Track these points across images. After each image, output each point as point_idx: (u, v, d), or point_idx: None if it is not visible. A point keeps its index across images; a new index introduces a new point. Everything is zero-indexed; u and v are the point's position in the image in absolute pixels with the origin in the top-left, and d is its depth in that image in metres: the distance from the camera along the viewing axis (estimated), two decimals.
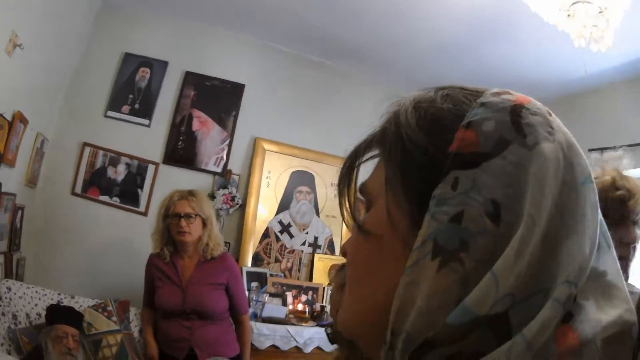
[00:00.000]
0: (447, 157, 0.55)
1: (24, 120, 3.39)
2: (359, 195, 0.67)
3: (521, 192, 0.52)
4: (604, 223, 0.57)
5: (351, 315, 0.63)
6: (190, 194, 3.41)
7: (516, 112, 0.57)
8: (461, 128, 0.56)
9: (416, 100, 0.63)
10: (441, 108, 0.60)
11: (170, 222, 3.34)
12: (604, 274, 0.54)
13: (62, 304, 3.44)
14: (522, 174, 0.52)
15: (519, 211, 0.51)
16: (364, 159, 0.67)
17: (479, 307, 0.48)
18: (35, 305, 3.43)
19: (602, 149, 4.29)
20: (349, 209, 0.66)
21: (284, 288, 4.61)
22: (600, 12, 2.92)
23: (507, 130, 0.55)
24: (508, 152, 0.53)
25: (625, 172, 1.87)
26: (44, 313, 3.28)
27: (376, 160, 0.66)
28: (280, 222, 4.95)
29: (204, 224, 3.39)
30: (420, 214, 0.54)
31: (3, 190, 3.26)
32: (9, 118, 3.17)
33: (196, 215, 3.34)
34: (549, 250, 0.49)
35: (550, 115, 0.60)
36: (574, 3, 2.95)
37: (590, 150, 4.38)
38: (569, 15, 2.98)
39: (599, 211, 0.56)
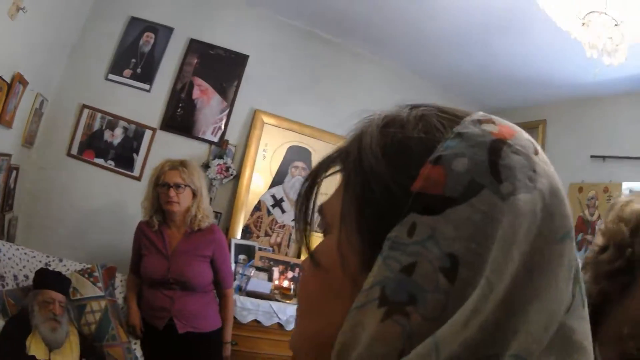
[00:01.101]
0: (409, 196, 0.50)
1: (23, 82, 3.37)
2: (317, 215, 0.62)
3: (485, 248, 0.47)
4: (581, 279, 0.53)
5: (298, 342, 0.62)
6: (182, 164, 3.40)
7: (496, 149, 0.51)
8: (428, 163, 0.50)
9: (385, 121, 0.57)
10: (410, 136, 0.54)
11: (160, 191, 3.35)
12: (572, 331, 0.49)
13: (50, 268, 3.47)
14: (490, 228, 0.47)
15: (479, 269, 0.47)
16: (327, 174, 0.62)
17: None
18: (24, 267, 3.44)
19: (604, 157, 4.30)
20: (303, 231, 0.61)
21: (272, 263, 4.65)
22: (616, 25, 2.84)
23: (481, 172, 0.49)
24: (478, 199, 0.48)
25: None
26: (31, 275, 3.30)
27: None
28: (274, 197, 4.96)
29: (194, 195, 3.39)
30: (373, 255, 0.51)
31: None
32: (8, 80, 3.16)
33: (186, 185, 3.34)
34: (506, 317, 0.45)
35: (537, 153, 0.53)
36: (589, 12, 2.86)
37: (593, 157, 4.42)
38: (583, 24, 2.90)
39: (577, 268, 0.52)
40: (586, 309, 0.52)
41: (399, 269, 0.48)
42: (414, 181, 0.50)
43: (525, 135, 0.55)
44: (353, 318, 0.50)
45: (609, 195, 4.26)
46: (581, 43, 2.99)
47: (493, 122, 0.54)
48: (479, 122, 0.54)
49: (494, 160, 0.50)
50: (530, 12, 3.54)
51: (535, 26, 3.76)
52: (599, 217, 4.30)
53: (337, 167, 0.60)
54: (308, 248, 0.61)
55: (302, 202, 0.62)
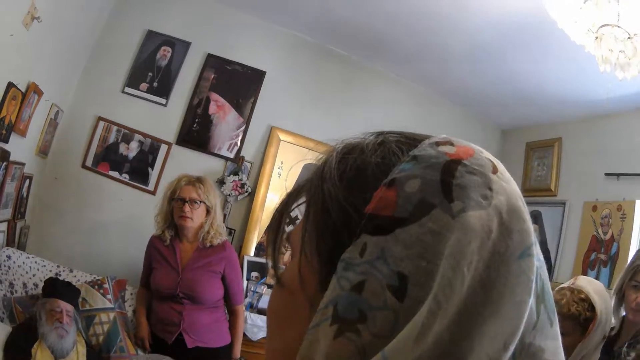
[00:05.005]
0: (362, 218, 0.51)
1: (38, 92, 3.39)
2: (285, 243, 0.64)
3: (435, 266, 0.47)
4: (550, 297, 0.54)
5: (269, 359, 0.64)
6: (198, 180, 3.42)
7: (450, 169, 0.51)
8: (382, 186, 0.52)
9: (346, 149, 0.59)
10: (368, 161, 0.55)
11: (175, 205, 3.36)
12: (541, 351, 0.50)
13: (60, 278, 3.46)
14: (440, 246, 0.48)
15: (429, 287, 0.47)
16: (293, 206, 0.64)
17: None
18: (33, 275, 3.47)
19: (618, 175, 4.22)
20: (271, 257, 0.63)
21: None
22: (629, 39, 2.79)
23: (432, 192, 0.50)
24: (428, 218, 0.49)
25: None
26: (41, 284, 3.31)
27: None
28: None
29: (208, 212, 3.40)
30: (330, 276, 0.52)
31: (12, 159, 3.28)
32: (23, 89, 3.18)
33: (201, 202, 3.35)
34: (460, 333, 0.45)
35: (495, 172, 0.54)
36: (602, 25, 2.82)
37: (607, 174, 4.33)
38: (596, 38, 2.87)
39: (542, 286, 0.52)
40: (556, 327, 0.53)
41: (349, 288, 0.49)
42: (367, 204, 0.52)
43: (484, 154, 0.56)
44: (310, 336, 0.51)
45: (622, 214, 4.14)
46: (595, 58, 2.93)
47: (451, 144, 0.55)
48: (436, 144, 0.55)
49: (447, 180, 0.51)
50: (544, 29, 3.49)
51: (550, 42, 3.71)
52: (612, 235, 4.18)
53: (302, 199, 0.62)
54: (276, 271, 0.62)
55: (273, 230, 0.63)
